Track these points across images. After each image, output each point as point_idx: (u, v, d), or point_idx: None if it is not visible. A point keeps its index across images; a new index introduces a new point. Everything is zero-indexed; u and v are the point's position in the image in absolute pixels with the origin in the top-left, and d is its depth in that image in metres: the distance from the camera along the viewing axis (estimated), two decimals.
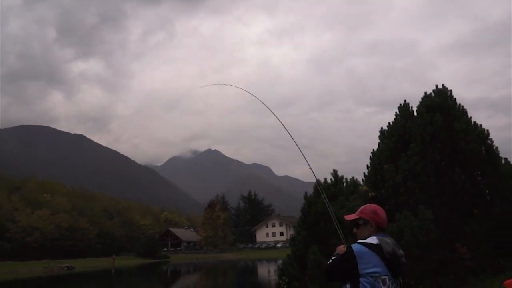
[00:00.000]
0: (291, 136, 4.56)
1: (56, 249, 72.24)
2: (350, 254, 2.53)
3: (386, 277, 2.50)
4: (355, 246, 2.56)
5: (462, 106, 11.64)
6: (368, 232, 2.70)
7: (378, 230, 2.70)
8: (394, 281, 2.55)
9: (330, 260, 2.77)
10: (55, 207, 78.40)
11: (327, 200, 4.22)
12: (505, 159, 10.99)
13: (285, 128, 4.67)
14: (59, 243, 73.82)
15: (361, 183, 12.23)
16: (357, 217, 2.79)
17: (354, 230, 2.82)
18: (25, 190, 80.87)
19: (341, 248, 2.93)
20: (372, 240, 2.59)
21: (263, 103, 5.32)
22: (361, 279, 2.47)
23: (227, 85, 6.64)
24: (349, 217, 2.88)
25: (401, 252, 2.62)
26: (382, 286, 2.47)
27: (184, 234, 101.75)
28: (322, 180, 11.78)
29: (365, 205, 2.85)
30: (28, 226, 69.98)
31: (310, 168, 4.34)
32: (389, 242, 2.59)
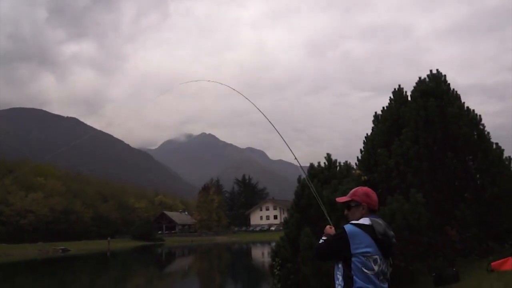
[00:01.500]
0: (272, 125, 4.59)
1: (51, 232, 72.42)
2: (342, 234, 2.57)
3: (377, 256, 2.55)
4: (347, 227, 2.60)
5: (456, 91, 11.72)
6: (360, 214, 2.75)
7: (370, 212, 2.75)
8: (385, 261, 2.61)
9: (321, 241, 2.83)
10: (48, 190, 78.26)
11: (314, 190, 4.29)
12: (496, 144, 11.13)
13: (267, 118, 4.68)
14: (54, 226, 73.99)
15: (355, 167, 12.35)
16: (349, 199, 2.83)
17: (346, 212, 2.86)
18: (18, 173, 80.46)
19: (328, 229, 3.01)
20: (364, 221, 2.64)
21: (245, 97, 5.32)
22: (353, 259, 2.52)
23: (208, 81, 6.55)
24: (340, 199, 2.93)
25: (392, 233, 2.67)
26: (373, 266, 2.53)
27: (179, 217, 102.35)
28: (316, 164, 11.88)
29: (357, 188, 2.89)
30: (22, 209, 69.94)
31: (296, 158, 4.44)
32: (380, 223, 2.64)
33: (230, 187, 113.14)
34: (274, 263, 10.14)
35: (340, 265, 2.61)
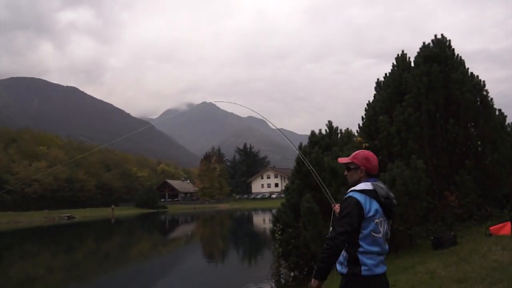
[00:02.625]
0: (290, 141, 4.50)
1: (56, 200, 73.66)
2: (356, 204, 2.58)
3: (382, 219, 2.63)
4: (356, 195, 2.62)
5: (460, 57, 11.54)
6: (358, 177, 2.79)
7: (368, 176, 2.78)
8: (387, 222, 2.70)
9: (332, 228, 2.76)
10: (52, 159, 78.85)
11: (311, 167, 4.29)
12: (499, 110, 11.08)
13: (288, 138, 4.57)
14: (59, 194, 75.13)
15: (356, 134, 12.35)
16: (349, 161, 2.86)
17: (345, 172, 2.90)
18: (21, 143, 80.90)
19: (338, 208, 3.04)
20: (367, 186, 2.67)
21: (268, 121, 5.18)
22: (363, 224, 2.57)
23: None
24: (342, 160, 2.95)
25: (392, 195, 2.73)
26: (379, 228, 2.61)
27: (181, 185, 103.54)
28: (317, 132, 11.87)
29: (359, 151, 2.91)
30: (26, 178, 70.76)
31: (290, 141, 4.33)
32: (382, 186, 2.70)
33: (232, 156, 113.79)
34: (275, 228, 10.32)
35: None
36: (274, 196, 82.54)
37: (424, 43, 11.95)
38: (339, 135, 12.04)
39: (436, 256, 7.54)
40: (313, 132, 11.87)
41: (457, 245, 7.98)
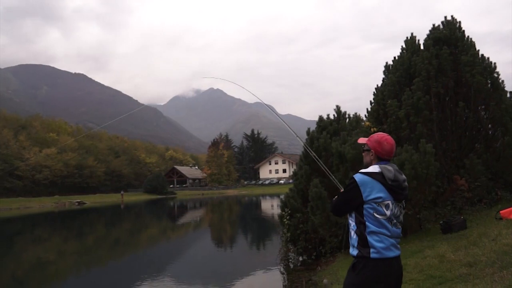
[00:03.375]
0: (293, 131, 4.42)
1: (67, 186, 74.74)
2: (353, 184, 2.61)
3: (389, 201, 2.60)
4: (357, 176, 2.64)
5: (471, 39, 11.29)
6: (369, 159, 2.79)
7: (378, 159, 2.74)
8: (397, 204, 2.65)
9: (335, 198, 2.85)
10: (61, 145, 79.72)
11: (314, 154, 4.23)
12: (511, 92, 10.88)
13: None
14: (69, 180, 76.17)
15: (364, 119, 12.25)
16: (363, 142, 2.87)
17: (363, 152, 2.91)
18: (31, 129, 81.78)
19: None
20: (374, 169, 2.66)
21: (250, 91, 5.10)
22: (365, 205, 2.57)
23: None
24: (360, 140, 2.95)
25: (403, 177, 2.70)
26: (385, 211, 2.58)
27: (189, 171, 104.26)
28: (325, 117, 11.80)
29: (375, 133, 2.88)
30: (37, 164, 71.74)
31: (295, 133, 4.28)
32: (390, 169, 2.65)
33: (239, 142, 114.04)
34: (283, 213, 10.36)
35: (353, 214, 2.66)
36: (282, 181, 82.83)
37: (433, 25, 11.71)
38: (347, 120, 11.97)
39: (445, 240, 7.51)
40: (321, 117, 11.80)
41: (467, 229, 7.94)
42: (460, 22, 11.51)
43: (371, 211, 2.56)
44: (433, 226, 8.86)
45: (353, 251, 2.64)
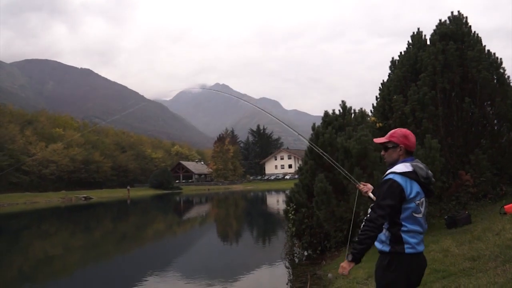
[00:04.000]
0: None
1: (73, 181, 75.32)
2: (397, 187, 2.59)
3: (423, 199, 2.67)
4: (397, 178, 2.62)
5: (477, 34, 11.24)
6: (397, 155, 2.78)
7: (407, 154, 2.77)
8: (426, 200, 2.72)
9: (371, 211, 2.72)
10: (68, 140, 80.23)
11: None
12: None
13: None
14: (76, 175, 76.73)
15: (370, 114, 12.25)
16: (386, 140, 2.83)
17: (383, 152, 2.89)
18: (37, 125, 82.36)
19: (363, 186, 3.19)
20: (407, 167, 2.66)
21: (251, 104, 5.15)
22: (405, 206, 2.60)
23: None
24: (378, 140, 2.92)
25: (431, 173, 2.74)
26: (421, 208, 2.64)
27: (195, 167, 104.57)
28: (330, 112, 11.82)
29: (396, 129, 2.88)
30: (43, 159, 72.34)
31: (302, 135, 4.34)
32: (421, 166, 2.68)
33: (245, 137, 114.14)
34: (288, 208, 10.43)
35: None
36: (287, 177, 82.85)
37: (440, 20, 11.67)
38: (352, 115, 11.98)
39: (450, 235, 7.56)
40: (326, 113, 11.83)
41: (471, 224, 7.97)
42: (466, 17, 11.47)
43: (410, 211, 2.60)
44: (438, 221, 8.89)
45: (384, 247, 2.67)
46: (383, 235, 2.66)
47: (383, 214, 2.58)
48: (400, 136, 2.78)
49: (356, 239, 2.62)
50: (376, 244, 2.69)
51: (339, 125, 11.12)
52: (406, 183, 2.60)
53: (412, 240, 2.60)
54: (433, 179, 2.73)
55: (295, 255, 10.30)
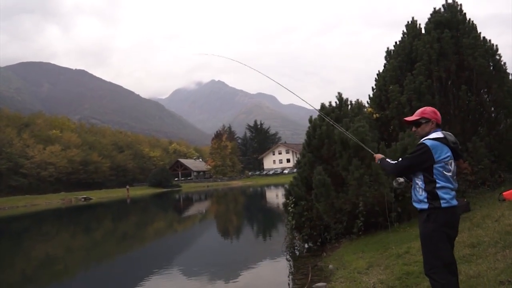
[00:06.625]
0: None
1: (72, 182, 75.19)
2: (425, 148, 3.13)
3: (452, 160, 3.20)
4: (427, 142, 3.17)
5: (472, 22, 11.24)
6: (429, 128, 3.31)
7: (437, 126, 3.32)
8: (455, 162, 3.26)
9: (394, 162, 3.44)
10: (65, 142, 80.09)
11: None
12: None
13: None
14: (74, 177, 76.61)
15: (366, 105, 12.24)
16: (419, 117, 3.36)
17: (414, 129, 3.46)
18: (34, 127, 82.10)
19: (379, 155, 3.78)
20: (438, 134, 3.22)
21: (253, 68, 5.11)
22: (436, 165, 3.11)
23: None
24: (410, 118, 3.45)
25: (457, 140, 3.31)
26: (450, 167, 3.17)
27: (194, 164, 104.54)
28: (327, 104, 11.78)
29: (424, 107, 3.45)
30: (42, 162, 72.16)
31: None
32: (450, 134, 3.28)
33: (242, 133, 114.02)
34: (288, 201, 10.42)
35: (420, 175, 3.19)
36: (286, 171, 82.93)
37: (434, 8, 11.65)
38: (349, 106, 11.95)
39: None
40: (323, 105, 11.77)
41: (470, 212, 7.99)
42: (461, 5, 11.46)
43: (441, 170, 3.11)
44: None
45: (423, 205, 3.17)
46: (421, 195, 3.19)
47: (406, 165, 3.25)
48: (431, 112, 3.35)
49: (387, 161, 3.51)
50: (415, 204, 3.26)
51: (336, 117, 11.05)
52: (436, 146, 3.13)
53: (447, 196, 3.09)
54: (459, 145, 3.28)
55: (296, 247, 10.30)
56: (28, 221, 32.88)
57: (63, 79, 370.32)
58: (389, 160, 3.58)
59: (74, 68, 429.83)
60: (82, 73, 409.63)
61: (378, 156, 3.79)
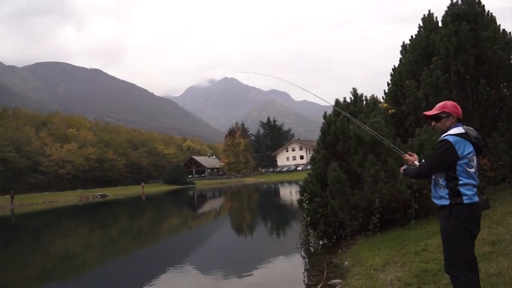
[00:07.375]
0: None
1: (89, 180, 76.42)
2: (448, 145, 3.08)
3: (474, 156, 3.14)
4: (450, 138, 3.11)
5: (491, 14, 10.97)
6: (450, 123, 3.25)
7: (457, 121, 3.26)
8: (477, 158, 3.20)
9: (415, 165, 3.42)
10: (82, 140, 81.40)
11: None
12: None
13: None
14: (91, 174, 77.86)
15: (382, 101, 12.08)
16: (439, 111, 3.29)
17: (433, 123, 3.38)
18: (52, 126, 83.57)
19: (409, 156, 3.59)
20: (459, 130, 3.15)
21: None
22: (459, 162, 3.06)
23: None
24: (429, 113, 3.37)
25: (479, 135, 3.25)
26: (473, 163, 3.12)
27: (207, 161, 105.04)
28: (341, 100, 11.66)
29: (445, 101, 3.38)
30: (59, 160, 73.50)
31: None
32: (472, 129, 3.20)
33: (256, 130, 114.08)
34: (302, 198, 10.37)
35: (442, 172, 3.14)
36: (299, 168, 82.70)
37: (451, 0, 11.41)
38: (364, 102, 11.80)
39: None
40: (337, 101, 11.65)
41: (490, 209, 7.83)
42: None
43: (464, 166, 3.07)
44: None
45: (444, 202, 3.13)
46: (443, 191, 3.14)
47: (431, 168, 3.19)
48: (451, 106, 3.28)
49: (411, 168, 3.43)
50: (436, 200, 3.23)
51: (350, 112, 10.94)
52: (458, 141, 3.07)
53: (469, 192, 3.05)
54: (481, 140, 3.23)
55: (311, 244, 10.26)
56: (47, 218, 33.51)
57: (79, 78, 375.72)
58: (416, 162, 3.47)
59: (89, 67, 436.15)
60: (97, 72, 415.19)
61: (408, 158, 3.57)
